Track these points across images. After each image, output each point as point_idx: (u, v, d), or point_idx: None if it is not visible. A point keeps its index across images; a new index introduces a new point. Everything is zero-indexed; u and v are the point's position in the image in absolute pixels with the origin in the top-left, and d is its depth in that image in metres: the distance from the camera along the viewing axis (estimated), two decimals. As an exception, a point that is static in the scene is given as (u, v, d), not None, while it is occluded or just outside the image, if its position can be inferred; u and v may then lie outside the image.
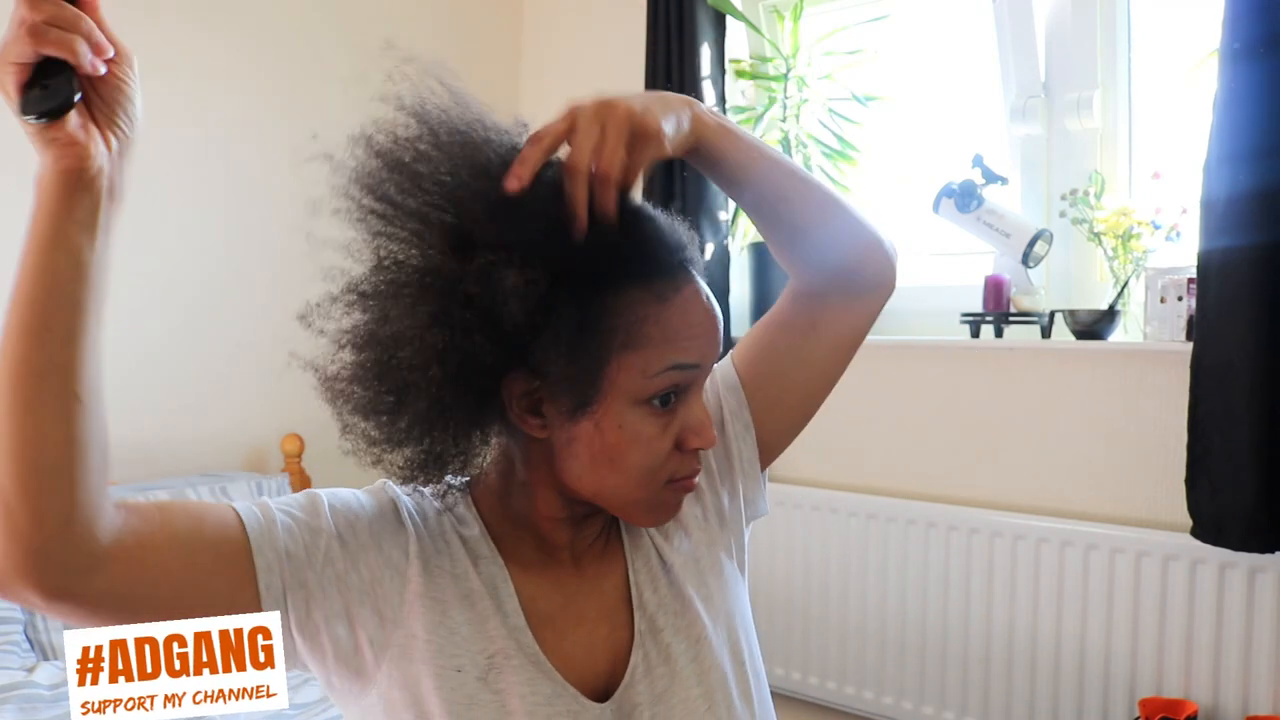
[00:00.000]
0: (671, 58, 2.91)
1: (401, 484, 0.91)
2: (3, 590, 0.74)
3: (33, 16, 0.69)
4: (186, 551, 0.81)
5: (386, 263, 0.84)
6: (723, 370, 1.07)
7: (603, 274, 0.84)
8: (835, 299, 1.04)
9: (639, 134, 0.85)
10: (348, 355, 0.85)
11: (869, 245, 1.03)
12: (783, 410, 1.07)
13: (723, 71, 2.95)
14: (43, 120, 0.73)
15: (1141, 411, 2.32)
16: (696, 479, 0.93)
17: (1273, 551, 2.04)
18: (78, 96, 0.73)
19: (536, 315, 0.81)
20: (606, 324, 0.84)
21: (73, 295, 0.74)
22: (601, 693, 0.93)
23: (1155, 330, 2.24)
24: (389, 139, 0.85)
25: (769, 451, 1.08)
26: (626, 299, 0.85)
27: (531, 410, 0.88)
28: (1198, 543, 2.11)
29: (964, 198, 2.47)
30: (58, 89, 0.73)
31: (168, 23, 2.79)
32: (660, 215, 0.90)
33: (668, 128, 0.88)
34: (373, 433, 0.86)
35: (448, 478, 0.93)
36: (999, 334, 2.49)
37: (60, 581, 0.73)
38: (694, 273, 0.91)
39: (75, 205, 0.74)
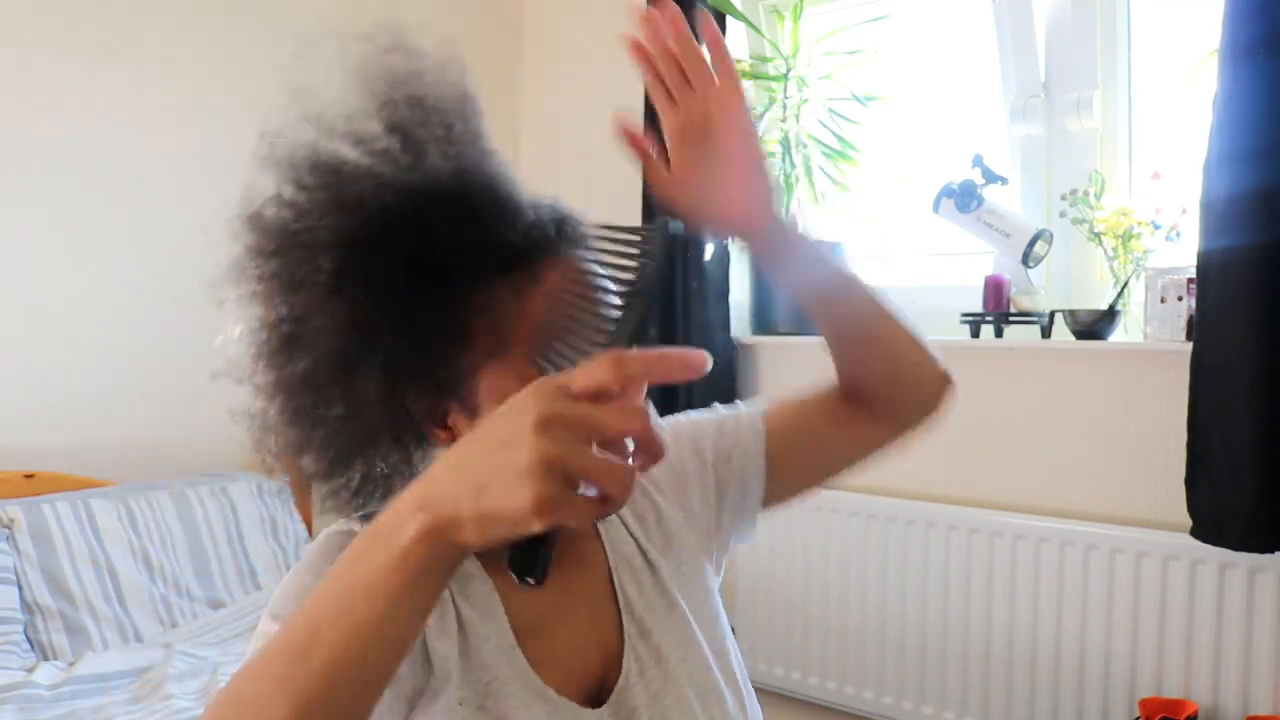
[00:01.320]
0: (671, 58, 2.90)
1: (353, 513, 0.89)
2: None
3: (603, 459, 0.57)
4: None
5: (272, 319, 0.85)
6: (750, 413, 1.07)
7: (450, 274, 0.82)
8: (878, 414, 1.05)
9: None
10: (268, 404, 0.86)
11: (926, 383, 1.04)
12: (794, 475, 1.07)
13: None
14: (524, 585, 0.63)
15: (1141, 411, 2.32)
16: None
17: (1273, 551, 2.04)
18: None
19: (399, 330, 0.81)
20: (469, 329, 0.82)
21: (393, 669, 0.65)
22: (594, 697, 0.92)
23: (1155, 330, 2.24)
24: (262, 213, 0.86)
25: (771, 501, 1.08)
26: (483, 299, 0.82)
27: (439, 424, 0.87)
28: (1198, 543, 2.11)
29: (964, 198, 2.47)
30: (541, 555, 0.63)
31: (170, 24, 2.79)
32: (515, 194, 0.85)
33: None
34: (308, 467, 0.87)
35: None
36: (999, 334, 2.49)
37: None
38: (553, 258, 0.85)
39: (438, 587, 0.63)
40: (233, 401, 0.83)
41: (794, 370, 2.84)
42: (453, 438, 0.87)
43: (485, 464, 0.58)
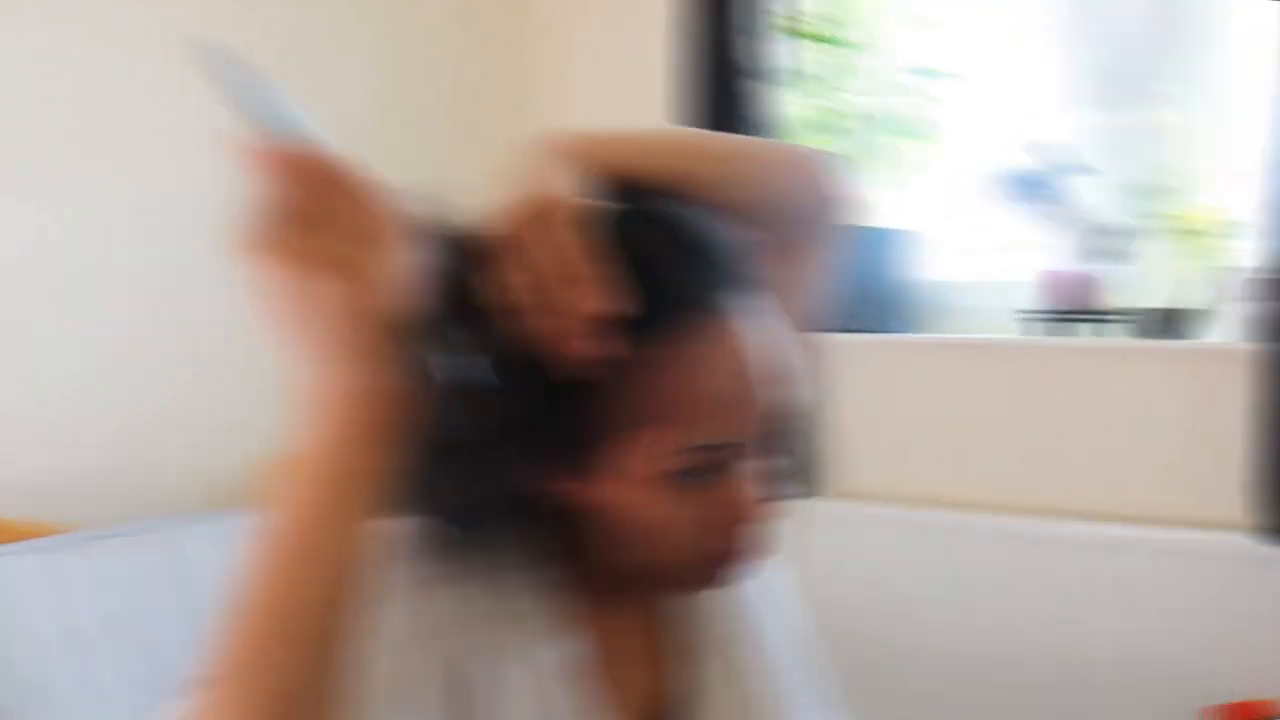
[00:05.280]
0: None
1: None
2: None
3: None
4: None
5: None
6: None
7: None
8: (791, 242, 0.89)
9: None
10: None
11: (795, 177, 0.89)
12: None
13: (770, 27, 2.53)
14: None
15: (1218, 412, 2.23)
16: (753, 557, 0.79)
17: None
18: None
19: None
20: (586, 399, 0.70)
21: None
22: None
23: (1234, 330, 2.21)
24: None
25: None
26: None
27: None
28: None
29: (1039, 188, 2.40)
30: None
31: (154, 21, 2.36)
32: (656, 230, 0.71)
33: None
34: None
35: None
36: (1076, 333, 2.40)
37: None
38: (707, 313, 0.71)
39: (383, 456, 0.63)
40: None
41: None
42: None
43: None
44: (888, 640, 2.56)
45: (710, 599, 0.86)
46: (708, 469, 0.72)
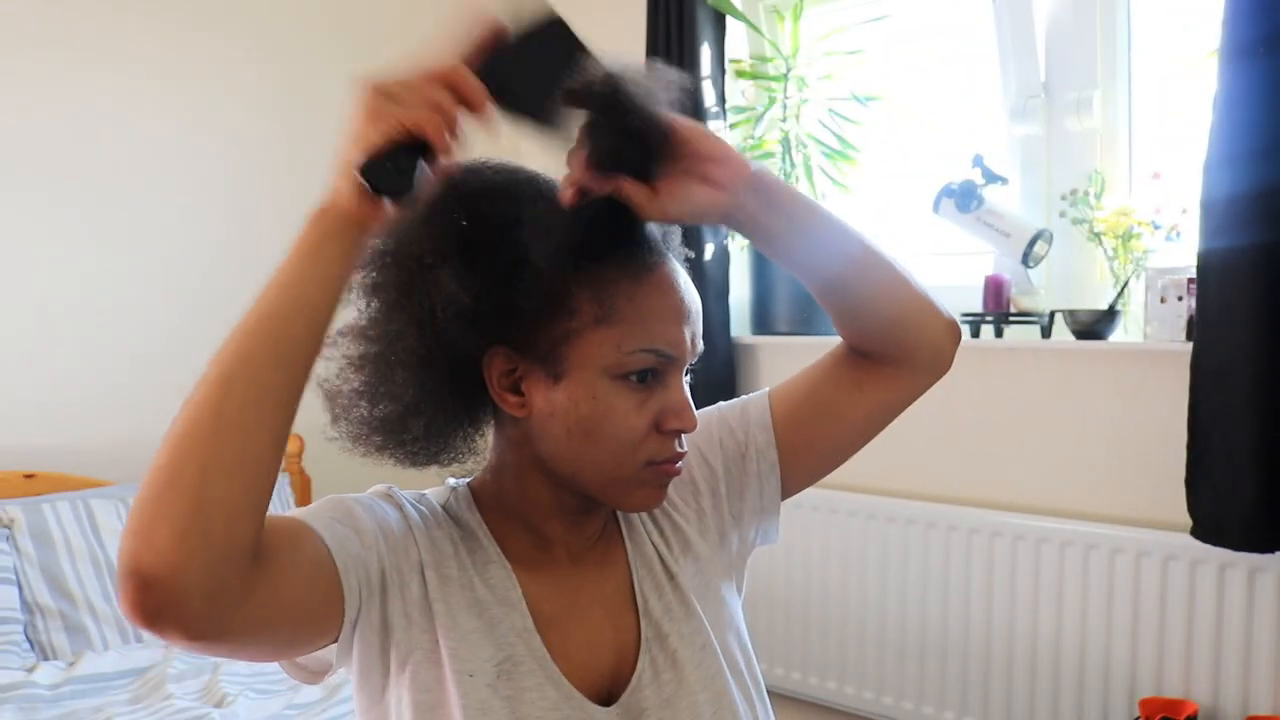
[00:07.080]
0: (671, 58, 2.89)
1: (402, 465, 0.94)
2: (153, 620, 0.72)
3: (421, 93, 0.76)
4: (306, 576, 0.82)
5: (371, 287, 0.90)
6: (756, 407, 1.08)
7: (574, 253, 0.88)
8: (888, 369, 1.04)
9: None
10: (350, 375, 0.91)
11: (934, 329, 1.02)
12: (809, 459, 1.07)
13: (723, 72, 2.94)
14: (380, 195, 0.75)
15: (1141, 411, 2.32)
16: (679, 465, 0.94)
17: (1273, 552, 2.04)
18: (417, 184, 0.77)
19: (506, 291, 0.86)
20: (575, 299, 0.88)
21: (322, 330, 0.78)
22: (604, 695, 0.94)
23: (1155, 330, 2.24)
24: None
25: (788, 492, 1.08)
26: (599, 274, 0.88)
27: (511, 389, 0.91)
28: (1198, 543, 2.11)
29: (964, 198, 2.45)
30: (405, 171, 0.75)
31: (168, 24, 2.79)
32: None
33: None
34: (367, 418, 0.91)
35: (450, 481, 0.98)
36: (999, 334, 2.49)
37: (220, 611, 0.73)
38: (670, 257, 0.94)
39: (355, 253, 0.79)
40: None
41: (794, 370, 2.82)
42: (523, 404, 0.91)
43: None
44: (827, 617, 2.74)
45: (656, 590, 0.99)
46: (653, 372, 0.90)
